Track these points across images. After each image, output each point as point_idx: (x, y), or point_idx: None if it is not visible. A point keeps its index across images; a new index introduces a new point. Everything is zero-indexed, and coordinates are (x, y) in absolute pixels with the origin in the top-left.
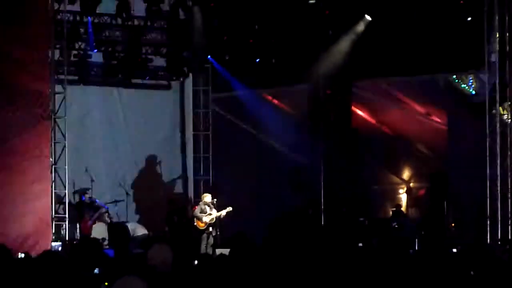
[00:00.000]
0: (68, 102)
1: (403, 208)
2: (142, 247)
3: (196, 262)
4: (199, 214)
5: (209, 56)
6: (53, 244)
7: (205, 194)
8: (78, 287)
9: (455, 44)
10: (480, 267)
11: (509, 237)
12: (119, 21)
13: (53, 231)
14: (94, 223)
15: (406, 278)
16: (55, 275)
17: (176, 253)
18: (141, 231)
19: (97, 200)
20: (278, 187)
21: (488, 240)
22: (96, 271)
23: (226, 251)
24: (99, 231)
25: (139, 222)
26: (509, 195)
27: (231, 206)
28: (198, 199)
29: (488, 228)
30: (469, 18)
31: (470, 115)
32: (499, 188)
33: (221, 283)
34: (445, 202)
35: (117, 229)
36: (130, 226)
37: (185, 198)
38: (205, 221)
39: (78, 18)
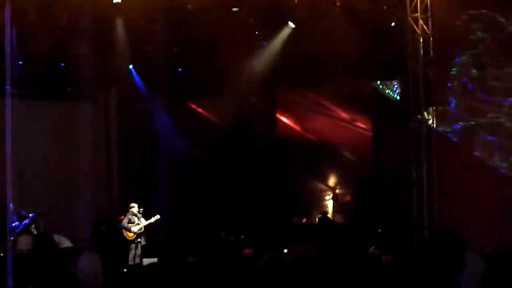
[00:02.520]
0: None
1: (330, 215)
2: (68, 258)
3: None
4: (127, 225)
5: (131, 67)
6: None
7: (132, 204)
8: None
9: (379, 50)
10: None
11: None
12: (42, 32)
13: None
14: (20, 234)
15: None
16: None
17: (105, 264)
18: (66, 243)
19: (23, 212)
20: (206, 195)
21: (415, 245)
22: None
23: (152, 260)
24: (24, 242)
25: (64, 234)
26: (435, 200)
27: (158, 214)
28: (124, 209)
29: (414, 233)
30: (393, 24)
31: (395, 120)
32: (425, 193)
33: None
34: (371, 208)
35: (43, 240)
36: (55, 238)
37: (111, 209)
38: (134, 231)
39: (1, 30)
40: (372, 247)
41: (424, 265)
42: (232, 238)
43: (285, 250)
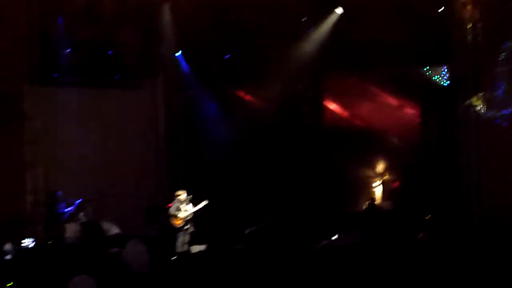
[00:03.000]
0: (40, 102)
1: (378, 201)
2: (116, 245)
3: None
4: (174, 212)
5: (178, 54)
6: (25, 241)
7: (179, 192)
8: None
9: (427, 36)
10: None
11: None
12: (90, 20)
13: (28, 231)
14: (68, 222)
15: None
16: (27, 271)
17: (154, 251)
18: (114, 230)
19: (70, 199)
20: (254, 182)
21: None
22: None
23: (202, 247)
24: (73, 230)
25: (113, 221)
26: (484, 186)
27: (207, 200)
28: (172, 196)
29: (463, 219)
30: (441, 9)
31: (443, 106)
32: (474, 179)
33: (199, 282)
34: (419, 194)
35: (91, 228)
36: (103, 225)
37: (159, 196)
38: (182, 218)
39: (49, 18)
40: (421, 233)
41: (475, 254)
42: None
43: (334, 237)
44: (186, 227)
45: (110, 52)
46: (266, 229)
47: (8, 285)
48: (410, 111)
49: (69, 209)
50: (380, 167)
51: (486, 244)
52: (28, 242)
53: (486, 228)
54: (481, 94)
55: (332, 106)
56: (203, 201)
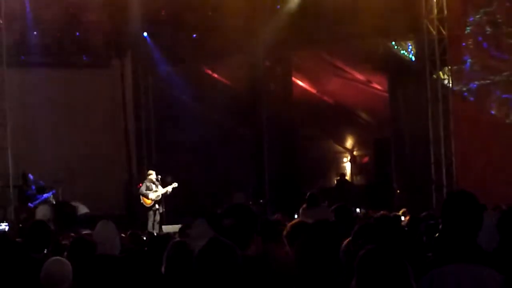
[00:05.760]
0: (7, 83)
1: (348, 177)
2: (86, 226)
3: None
4: (145, 192)
5: (145, 34)
6: (0, 225)
7: (150, 172)
8: (28, 268)
9: (394, 10)
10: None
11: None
12: (56, 0)
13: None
14: (38, 205)
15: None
16: (4, 256)
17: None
18: (83, 209)
19: (41, 182)
20: (223, 160)
21: (434, 204)
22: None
23: (172, 227)
24: (43, 212)
25: (82, 201)
26: (453, 159)
27: (176, 182)
28: (142, 177)
29: (434, 192)
30: None
31: (411, 81)
32: (443, 152)
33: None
34: (389, 168)
35: (62, 209)
36: (73, 205)
37: (129, 176)
38: (152, 198)
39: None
40: (403, 209)
41: (442, 228)
42: (251, 202)
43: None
44: (156, 207)
45: (77, 33)
46: (242, 207)
47: None
48: (378, 86)
49: (43, 196)
50: (349, 142)
51: (453, 216)
52: (2, 227)
53: (452, 201)
54: (447, 68)
55: (300, 82)
56: (172, 183)
